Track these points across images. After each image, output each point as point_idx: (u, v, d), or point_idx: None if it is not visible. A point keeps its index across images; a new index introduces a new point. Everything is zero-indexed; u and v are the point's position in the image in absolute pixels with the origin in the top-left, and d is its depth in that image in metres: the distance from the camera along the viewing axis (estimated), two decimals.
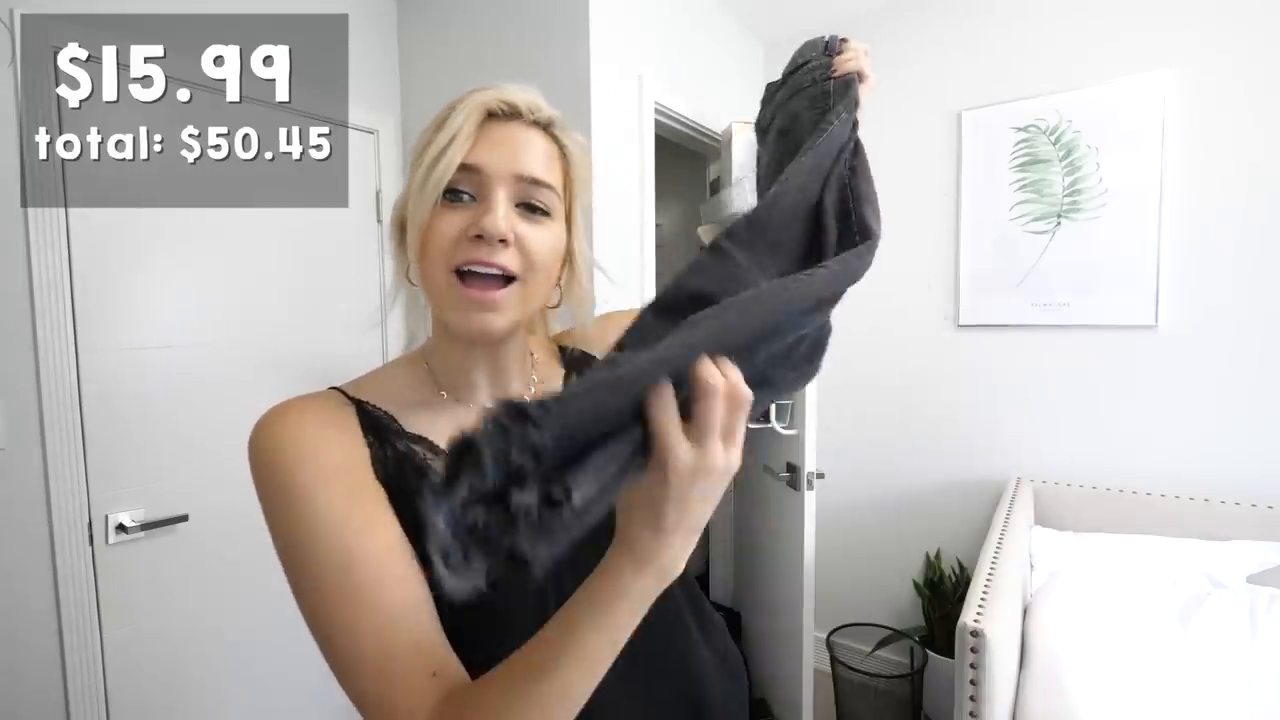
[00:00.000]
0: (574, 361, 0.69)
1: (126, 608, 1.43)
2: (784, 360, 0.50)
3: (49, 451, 1.31)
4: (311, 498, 0.48)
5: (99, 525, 1.39)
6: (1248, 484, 1.75)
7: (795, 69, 0.63)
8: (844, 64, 0.59)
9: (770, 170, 0.62)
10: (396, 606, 0.46)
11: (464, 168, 0.52)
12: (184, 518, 1.50)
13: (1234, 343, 1.76)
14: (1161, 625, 1.41)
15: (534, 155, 0.55)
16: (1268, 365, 1.72)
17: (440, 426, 0.57)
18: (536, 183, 0.54)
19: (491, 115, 0.54)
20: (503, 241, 0.52)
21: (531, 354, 0.66)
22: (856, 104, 0.58)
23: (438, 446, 0.56)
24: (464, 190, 0.53)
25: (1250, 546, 1.63)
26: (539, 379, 0.65)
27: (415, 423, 0.57)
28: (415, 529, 0.50)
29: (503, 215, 0.52)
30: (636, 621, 0.42)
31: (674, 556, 0.41)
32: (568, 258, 0.61)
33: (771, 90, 0.66)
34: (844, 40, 0.60)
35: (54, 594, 1.33)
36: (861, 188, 0.53)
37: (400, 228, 0.58)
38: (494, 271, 0.52)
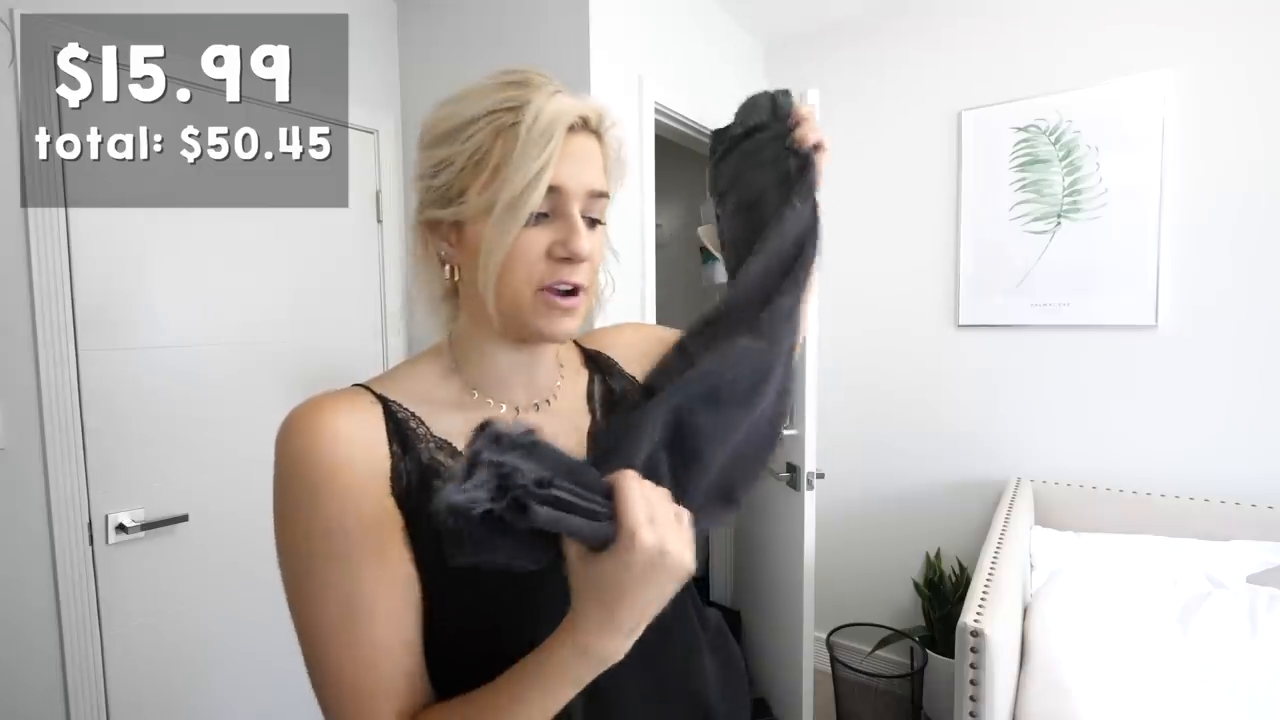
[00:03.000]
0: (596, 363, 0.70)
1: (126, 608, 1.43)
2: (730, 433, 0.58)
3: (49, 451, 1.31)
4: (327, 519, 0.49)
5: (99, 525, 1.39)
6: (1248, 484, 1.75)
7: (747, 132, 0.65)
8: (803, 138, 0.62)
9: (736, 248, 0.67)
10: (383, 645, 0.49)
11: (550, 188, 0.52)
12: (184, 518, 1.50)
13: (1234, 343, 1.76)
14: (1161, 625, 1.41)
15: (598, 168, 0.56)
16: (1268, 365, 1.72)
17: (468, 428, 0.57)
18: (601, 195, 0.56)
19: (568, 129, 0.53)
20: (584, 260, 0.54)
21: (556, 350, 0.67)
22: (817, 184, 0.63)
23: (459, 452, 0.55)
24: (544, 210, 0.53)
25: (1250, 546, 1.63)
26: (563, 375, 0.66)
27: (442, 424, 0.56)
28: (430, 538, 0.50)
29: (585, 236, 0.53)
30: (574, 692, 0.45)
31: (617, 645, 0.44)
32: None
33: (722, 148, 0.68)
34: (790, 99, 0.62)
35: (54, 594, 1.33)
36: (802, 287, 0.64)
37: (430, 227, 0.57)
38: (573, 288, 0.55)
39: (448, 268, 0.57)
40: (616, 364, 0.70)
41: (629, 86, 1.73)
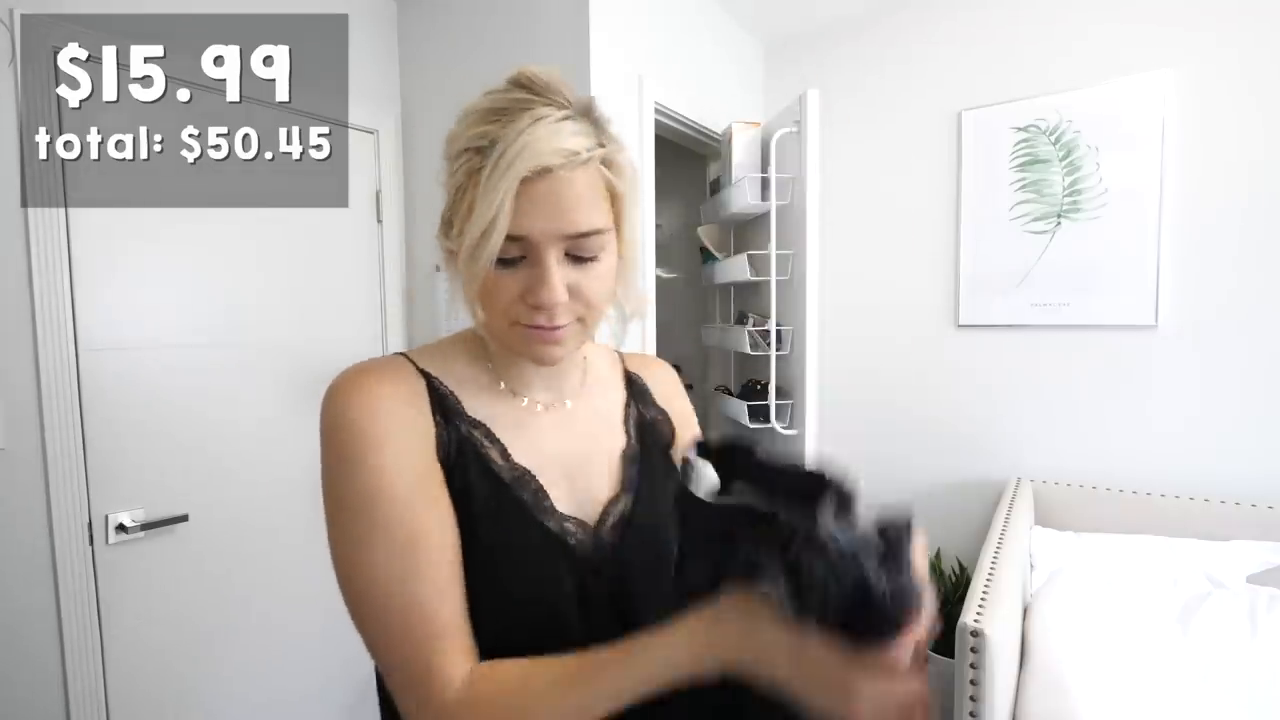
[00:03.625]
0: (634, 386, 0.71)
1: (126, 608, 1.43)
2: None
3: (49, 451, 1.31)
4: (381, 474, 0.51)
5: (99, 525, 1.39)
6: (1248, 484, 1.74)
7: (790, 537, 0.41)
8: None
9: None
10: (446, 582, 0.50)
11: (511, 238, 0.50)
12: (184, 518, 1.50)
13: (1234, 343, 1.76)
14: (1161, 625, 1.41)
15: (577, 206, 0.51)
16: (1268, 365, 1.72)
17: (498, 416, 0.59)
18: (585, 235, 0.52)
19: (525, 179, 0.50)
20: (555, 306, 0.53)
21: (585, 358, 0.68)
22: None
23: (494, 435, 0.58)
24: (514, 256, 0.52)
25: (1250, 546, 1.63)
26: (593, 379, 0.67)
27: (476, 407, 0.59)
28: (462, 509, 0.54)
29: (557, 283, 0.52)
30: (663, 680, 0.44)
31: (722, 668, 0.43)
32: (620, 265, 0.60)
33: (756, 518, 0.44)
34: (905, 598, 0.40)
35: (54, 594, 1.33)
36: None
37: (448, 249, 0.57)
38: (554, 327, 0.54)
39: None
40: (650, 393, 0.71)
41: (629, 86, 1.73)
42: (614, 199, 0.55)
